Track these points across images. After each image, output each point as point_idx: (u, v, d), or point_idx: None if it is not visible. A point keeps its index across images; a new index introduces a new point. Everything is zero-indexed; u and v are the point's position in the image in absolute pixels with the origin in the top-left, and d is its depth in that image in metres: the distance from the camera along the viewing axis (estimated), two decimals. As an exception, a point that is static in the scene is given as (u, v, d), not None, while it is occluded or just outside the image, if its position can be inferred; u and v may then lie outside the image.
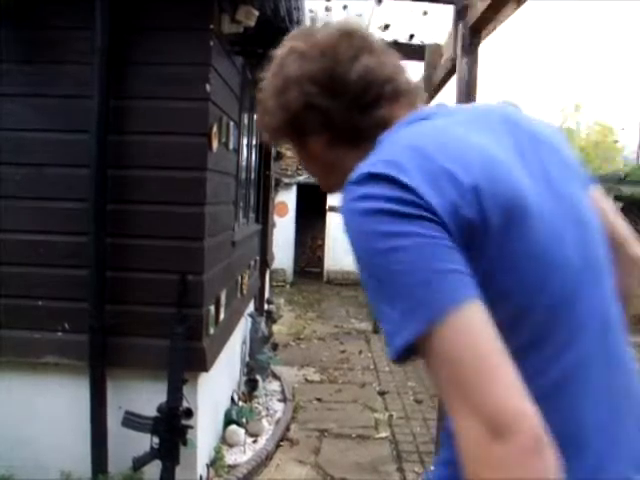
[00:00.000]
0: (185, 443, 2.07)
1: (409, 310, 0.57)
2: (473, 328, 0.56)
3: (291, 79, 0.75)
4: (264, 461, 2.88)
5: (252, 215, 4.30)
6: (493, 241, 0.61)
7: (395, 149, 0.65)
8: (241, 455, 2.87)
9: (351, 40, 0.75)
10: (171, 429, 2.04)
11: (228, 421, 3.10)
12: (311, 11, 3.01)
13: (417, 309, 0.56)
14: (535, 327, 0.61)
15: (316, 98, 0.75)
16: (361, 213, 0.61)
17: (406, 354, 0.58)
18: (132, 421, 2.08)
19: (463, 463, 0.53)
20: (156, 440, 2.04)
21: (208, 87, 2.31)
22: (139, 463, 2.07)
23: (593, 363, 0.64)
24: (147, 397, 2.31)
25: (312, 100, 0.75)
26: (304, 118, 0.76)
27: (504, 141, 0.68)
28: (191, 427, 2.11)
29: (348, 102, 0.75)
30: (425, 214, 0.59)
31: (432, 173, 0.61)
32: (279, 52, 0.79)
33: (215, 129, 2.42)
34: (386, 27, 3.15)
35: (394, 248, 0.58)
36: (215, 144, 2.43)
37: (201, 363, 2.37)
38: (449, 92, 2.97)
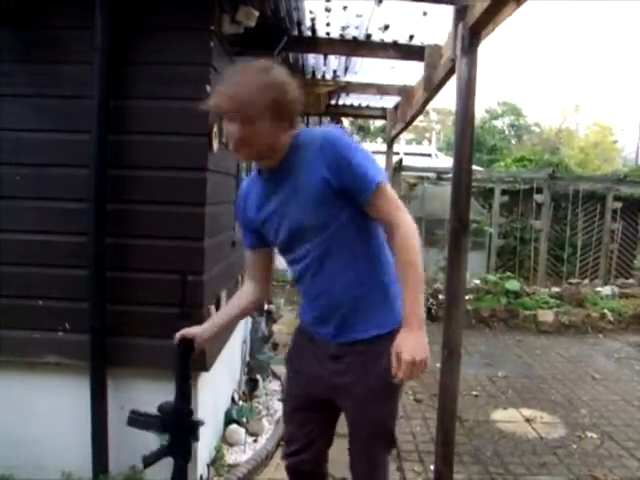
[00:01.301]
0: (197, 439, 2.01)
1: (377, 171, 1.43)
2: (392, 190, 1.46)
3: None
4: (264, 460, 2.88)
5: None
6: None
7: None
8: (241, 454, 2.87)
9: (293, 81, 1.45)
10: (182, 425, 1.97)
11: (228, 420, 3.10)
12: (311, 12, 3.00)
13: (380, 172, 1.43)
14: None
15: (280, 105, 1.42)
16: (346, 136, 1.48)
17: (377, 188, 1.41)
18: (137, 420, 2.03)
19: (406, 236, 1.39)
20: (165, 437, 1.99)
21: (208, 87, 2.31)
22: (149, 460, 2.01)
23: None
24: (148, 397, 2.31)
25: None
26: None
27: None
28: (202, 423, 2.05)
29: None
30: None
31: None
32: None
33: (215, 129, 2.42)
34: (386, 27, 3.14)
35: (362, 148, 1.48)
36: (215, 144, 2.43)
37: (201, 363, 2.38)
38: (449, 92, 2.97)
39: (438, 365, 2.35)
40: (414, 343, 1.30)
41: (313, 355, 1.58)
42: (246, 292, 1.76)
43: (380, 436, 1.58)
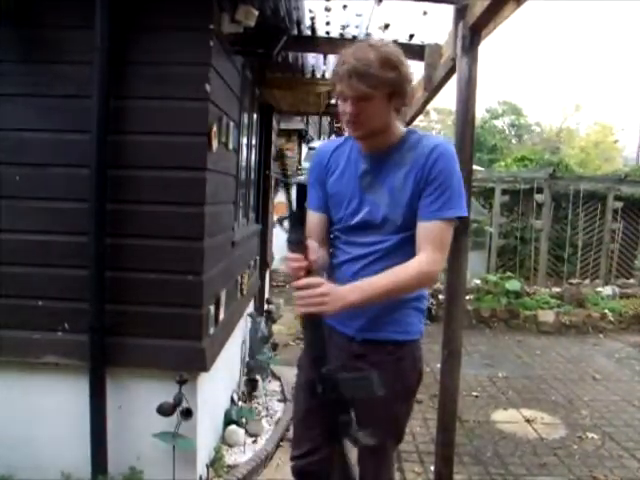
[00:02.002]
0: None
1: (461, 207, 1.44)
2: None
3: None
4: (264, 461, 2.88)
5: (252, 215, 4.30)
6: None
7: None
8: (241, 455, 2.87)
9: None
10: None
11: (228, 421, 3.10)
12: (311, 11, 3.00)
13: (462, 210, 1.44)
14: None
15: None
16: (456, 158, 1.47)
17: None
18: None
19: (421, 269, 1.40)
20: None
21: (208, 87, 2.31)
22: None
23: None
24: (147, 397, 2.32)
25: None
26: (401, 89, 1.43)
27: None
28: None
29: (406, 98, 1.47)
30: None
31: None
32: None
33: (215, 129, 2.42)
34: (386, 27, 3.14)
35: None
36: (215, 144, 2.43)
37: (201, 363, 2.38)
38: (449, 92, 2.97)
39: (438, 365, 2.35)
40: (340, 301, 1.34)
41: (331, 355, 1.56)
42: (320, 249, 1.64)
43: (395, 433, 1.66)
